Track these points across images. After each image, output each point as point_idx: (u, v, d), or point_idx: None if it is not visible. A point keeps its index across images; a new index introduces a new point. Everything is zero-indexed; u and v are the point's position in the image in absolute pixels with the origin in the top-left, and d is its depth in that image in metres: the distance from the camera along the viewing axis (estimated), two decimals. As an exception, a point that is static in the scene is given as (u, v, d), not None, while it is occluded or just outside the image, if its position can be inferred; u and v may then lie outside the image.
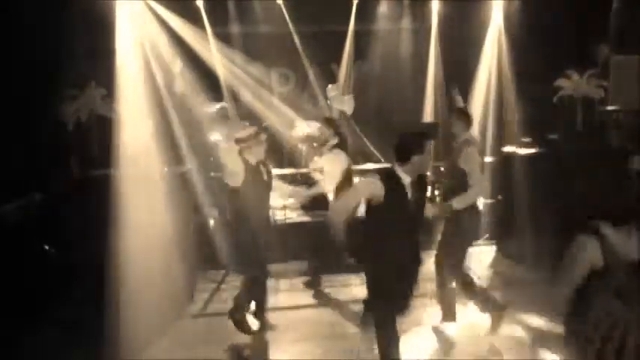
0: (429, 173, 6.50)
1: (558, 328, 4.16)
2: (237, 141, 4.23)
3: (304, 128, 7.85)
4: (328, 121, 5.24)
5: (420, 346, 4.13)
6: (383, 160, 8.20)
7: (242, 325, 4.40)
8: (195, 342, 4.41)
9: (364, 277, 3.49)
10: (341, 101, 8.15)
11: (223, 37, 8.01)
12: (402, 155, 3.29)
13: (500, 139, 7.31)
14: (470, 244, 4.35)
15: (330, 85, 8.30)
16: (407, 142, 3.30)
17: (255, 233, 4.27)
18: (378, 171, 3.52)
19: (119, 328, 4.02)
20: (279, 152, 7.99)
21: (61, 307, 4.43)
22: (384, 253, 3.31)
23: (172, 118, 6.57)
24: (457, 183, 4.14)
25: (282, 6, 8.11)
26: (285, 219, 6.48)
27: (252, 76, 8.21)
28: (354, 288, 5.42)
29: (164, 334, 4.48)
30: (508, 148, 6.68)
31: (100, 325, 4.03)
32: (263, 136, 4.39)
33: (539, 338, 4.17)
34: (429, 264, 4.21)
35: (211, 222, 6.22)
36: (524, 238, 5.96)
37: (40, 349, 3.95)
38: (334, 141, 5.10)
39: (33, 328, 4.12)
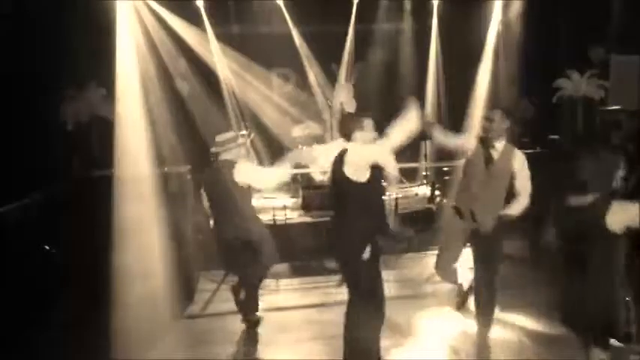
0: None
1: (556, 330, 4.20)
2: (217, 145, 4.27)
3: (304, 128, 7.87)
4: None
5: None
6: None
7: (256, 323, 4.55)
8: (195, 342, 4.40)
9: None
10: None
11: (223, 37, 8.01)
12: None
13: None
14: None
15: (337, 84, 8.30)
16: None
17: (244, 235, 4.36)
18: None
19: (119, 328, 4.02)
20: (280, 152, 7.98)
21: (61, 307, 4.44)
22: None
23: (172, 117, 6.58)
24: None
25: (282, 6, 8.11)
26: (286, 219, 6.47)
27: (252, 76, 8.20)
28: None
29: (164, 334, 4.47)
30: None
31: (100, 325, 4.03)
32: (241, 140, 4.41)
33: (538, 339, 4.17)
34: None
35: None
36: (524, 238, 5.94)
37: (40, 349, 3.95)
38: None
39: (33, 327, 4.12)
